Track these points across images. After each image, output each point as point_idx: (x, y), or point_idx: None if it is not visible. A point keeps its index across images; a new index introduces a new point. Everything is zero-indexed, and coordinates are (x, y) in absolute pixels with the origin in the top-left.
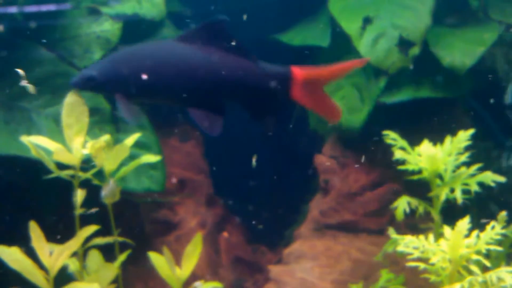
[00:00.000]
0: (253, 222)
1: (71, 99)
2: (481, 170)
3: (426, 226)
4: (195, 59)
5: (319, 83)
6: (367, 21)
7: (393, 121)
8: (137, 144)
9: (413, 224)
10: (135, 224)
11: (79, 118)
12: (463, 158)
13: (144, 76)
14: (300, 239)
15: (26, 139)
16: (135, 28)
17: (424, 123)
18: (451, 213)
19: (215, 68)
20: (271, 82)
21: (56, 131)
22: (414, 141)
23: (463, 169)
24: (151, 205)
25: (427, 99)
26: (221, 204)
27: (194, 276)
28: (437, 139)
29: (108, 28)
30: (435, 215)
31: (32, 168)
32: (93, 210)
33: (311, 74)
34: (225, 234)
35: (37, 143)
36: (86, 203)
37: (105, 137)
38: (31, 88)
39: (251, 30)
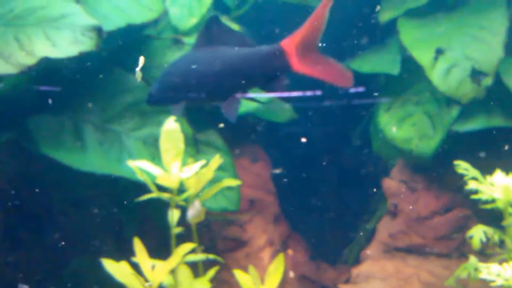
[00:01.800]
0: (313, 240)
1: (168, 126)
2: None
3: (493, 252)
4: (224, 58)
5: (309, 43)
6: (439, 52)
7: (463, 147)
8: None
9: (480, 250)
10: (207, 240)
11: (175, 144)
12: None
13: (191, 86)
14: (369, 260)
15: (132, 163)
16: None
17: (494, 151)
18: None
19: (238, 61)
20: (275, 61)
21: (144, 153)
22: (484, 169)
23: None
24: (222, 223)
25: (498, 127)
26: (285, 222)
27: None
28: (507, 167)
29: None
30: (509, 243)
31: (120, 186)
32: (180, 229)
33: (297, 37)
34: (290, 251)
35: (141, 167)
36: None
37: (200, 162)
38: (138, 75)
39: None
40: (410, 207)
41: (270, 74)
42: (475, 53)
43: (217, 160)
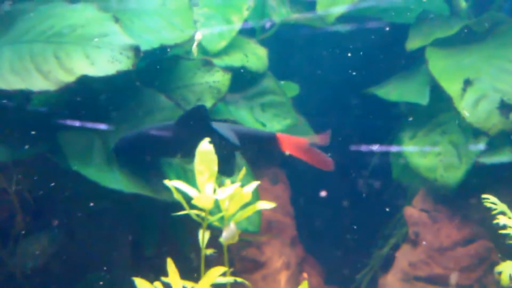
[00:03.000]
0: (328, 264)
1: (203, 148)
2: None
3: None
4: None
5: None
6: (467, 83)
7: (488, 179)
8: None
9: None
10: (224, 260)
11: (209, 166)
12: None
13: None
14: None
15: (169, 183)
16: (241, 79)
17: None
18: None
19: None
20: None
21: (171, 173)
22: (508, 203)
23: None
24: (241, 244)
25: None
26: (301, 245)
27: None
28: None
29: (219, 78)
30: None
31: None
32: (212, 251)
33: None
34: (305, 275)
35: (179, 188)
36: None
37: (235, 185)
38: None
39: (344, 82)
40: (432, 236)
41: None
42: (504, 85)
43: (253, 184)
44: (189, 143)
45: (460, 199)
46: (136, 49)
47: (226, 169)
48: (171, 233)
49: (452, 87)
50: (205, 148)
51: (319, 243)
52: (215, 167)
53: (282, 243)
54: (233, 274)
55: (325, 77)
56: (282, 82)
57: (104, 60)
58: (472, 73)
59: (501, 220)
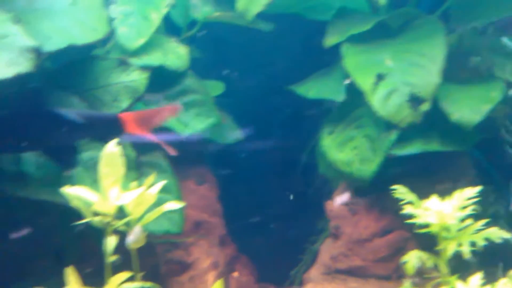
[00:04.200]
0: (261, 261)
1: (108, 150)
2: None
3: (430, 276)
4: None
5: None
6: (380, 77)
7: (403, 170)
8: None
9: (419, 272)
10: (150, 264)
11: (115, 168)
12: (469, 211)
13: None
14: (310, 283)
15: (67, 190)
16: (162, 78)
17: (433, 174)
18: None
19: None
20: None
21: (85, 177)
22: (423, 192)
23: (469, 221)
24: (167, 246)
25: (438, 152)
26: (232, 244)
27: None
28: (445, 190)
29: (136, 78)
30: (443, 268)
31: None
32: (115, 257)
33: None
34: (236, 273)
35: (78, 194)
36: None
37: (140, 189)
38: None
39: (270, 80)
40: (351, 229)
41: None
42: (414, 79)
43: (159, 184)
44: (32, 131)
45: (377, 191)
46: (37, 51)
47: (65, 159)
48: (92, 238)
49: (365, 82)
50: (111, 150)
51: (252, 242)
52: (122, 170)
53: (210, 243)
54: (159, 277)
55: (250, 75)
56: (207, 81)
57: (1, 63)
58: (385, 67)
59: (407, 209)
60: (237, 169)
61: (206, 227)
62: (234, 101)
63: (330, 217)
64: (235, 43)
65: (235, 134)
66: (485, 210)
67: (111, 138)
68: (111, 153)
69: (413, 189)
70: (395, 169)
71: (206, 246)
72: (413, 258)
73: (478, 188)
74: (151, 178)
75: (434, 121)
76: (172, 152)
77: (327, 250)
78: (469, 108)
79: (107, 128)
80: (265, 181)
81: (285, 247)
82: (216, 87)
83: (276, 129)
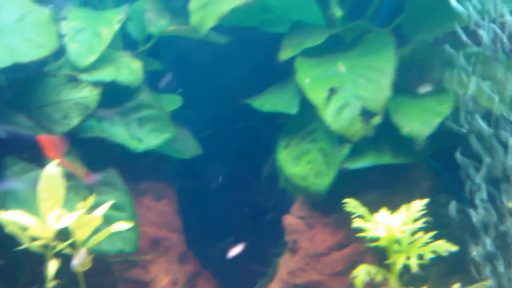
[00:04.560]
0: (224, 277)
1: (48, 172)
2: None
3: None
4: None
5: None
6: (332, 91)
7: (359, 184)
8: (111, 206)
9: (376, 285)
10: (107, 283)
11: (55, 191)
12: (419, 224)
13: None
14: None
15: (1, 215)
16: (115, 94)
17: (388, 187)
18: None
19: None
20: None
21: (32, 198)
22: (378, 205)
23: (419, 234)
24: (124, 264)
25: (391, 164)
26: (193, 260)
27: None
28: (399, 203)
29: (87, 94)
30: (393, 282)
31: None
32: (55, 282)
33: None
34: None
35: (13, 219)
36: (60, 271)
37: (79, 211)
38: None
39: (229, 93)
40: (308, 243)
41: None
42: (366, 93)
43: (106, 205)
44: None
45: (333, 205)
46: None
47: None
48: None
49: (317, 97)
50: (51, 172)
51: (215, 257)
52: (62, 191)
53: (169, 260)
54: None
55: (208, 89)
56: (164, 95)
57: None
58: (337, 82)
59: (357, 223)
60: (198, 183)
61: (165, 244)
62: (193, 115)
63: (288, 232)
64: (196, 55)
65: (193, 148)
66: (441, 221)
67: (31, 159)
68: (51, 175)
69: (368, 202)
70: (351, 183)
71: (165, 263)
72: (362, 273)
73: (425, 201)
74: (90, 201)
75: (387, 134)
76: (86, 177)
77: (285, 264)
78: (419, 122)
79: (25, 148)
80: (226, 195)
81: (249, 261)
82: (173, 101)
83: (237, 142)
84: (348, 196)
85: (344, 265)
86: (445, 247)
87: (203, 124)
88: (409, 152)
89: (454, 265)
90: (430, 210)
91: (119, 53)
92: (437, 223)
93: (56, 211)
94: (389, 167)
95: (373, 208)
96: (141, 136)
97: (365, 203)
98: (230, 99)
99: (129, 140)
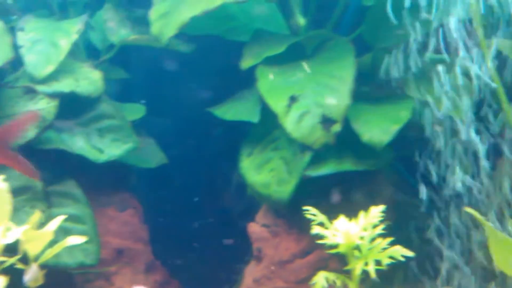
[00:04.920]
0: (194, 286)
1: None
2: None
3: None
4: None
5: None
6: (293, 99)
7: (323, 191)
8: (71, 218)
9: None
10: None
11: (1, 205)
12: (378, 230)
13: None
14: None
15: None
16: (74, 105)
17: (351, 194)
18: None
19: None
20: None
21: None
22: (341, 212)
23: (379, 240)
24: (87, 276)
25: (353, 171)
26: (161, 269)
27: None
28: (362, 209)
29: (43, 106)
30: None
31: None
32: None
33: None
34: None
35: None
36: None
37: (26, 226)
38: None
39: (192, 102)
40: (273, 251)
41: None
42: (326, 100)
43: (59, 219)
44: None
45: (297, 212)
46: None
47: None
48: None
49: (278, 104)
50: None
51: (185, 266)
52: (8, 207)
53: (134, 271)
54: None
55: (172, 98)
56: (127, 104)
57: None
58: (297, 89)
59: (316, 230)
60: (165, 193)
61: (130, 254)
62: (158, 124)
63: (253, 240)
64: (162, 64)
65: (158, 157)
66: (403, 226)
67: None
68: None
69: (331, 209)
70: (314, 190)
71: (130, 274)
72: (320, 279)
73: (383, 207)
74: (36, 216)
75: (349, 141)
76: (34, 175)
77: (250, 273)
78: (379, 128)
79: None
80: (195, 203)
81: (218, 269)
82: (137, 110)
83: (204, 150)
84: (312, 203)
85: (309, 272)
86: (401, 252)
87: (168, 133)
88: (371, 158)
89: (419, 269)
90: (393, 215)
91: (79, 63)
92: (399, 228)
93: (2, 226)
94: (353, 173)
95: (337, 214)
96: (102, 146)
97: (328, 210)
98: (196, 107)
99: (90, 151)
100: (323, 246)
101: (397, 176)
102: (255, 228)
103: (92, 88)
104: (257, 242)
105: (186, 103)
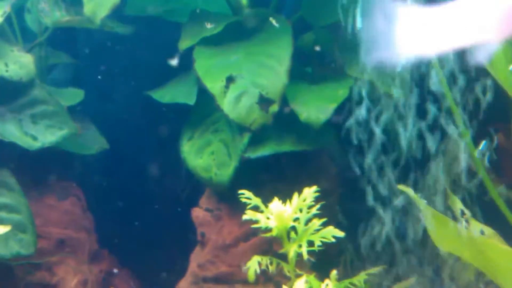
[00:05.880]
0: (145, 273)
1: None
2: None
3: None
4: None
5: None
6: (230, 80)
7: (266, 174)
8: (5, 208)
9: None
10: None
11: None
12: (313, 211)
13: None
14: None
15: None
16: (4, 90)
17: (294, 176)
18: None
19: None
20: None
21: None
22: (283, 194)
23: (314, 221)
24: (28, 267)
25: (296, 152)
26: (108, 258)
27: None
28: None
29: None
30: (287, 270)
31: None
32: None
33: None
34: None
35: None
36: None
37: None
38: None
39: (129, 85)
40: (216, 235)
41: None
42: (263, 80)
43: None
44: None
45: (239, 195)
46: None
47: None
48: None
49: (215, 86)
50: None
51: (135, 254)
52: None
53: (77, 261)
54: None
55: (113, 81)
56: (64, 89)
57: None
58: (235, 70)
59: (248, 214)
60: (109, 179)
61: (72, 243)
62: (99, 108)
63: (196, 224)
64: (103, 47)
65: (99, 143)
66: (345, 207)
67: None
68: None
69: (274, 192)
70: (257, 173)
71: (73, 263)
72: (253, 263)
73: (314, 188)
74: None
75: (289, 122)
76: None
77: (195, 258)
78: (316, 108)
79: None
80: (141, 190)
81: (171, 256)
82: (74, 95)
83: (147, 135)
84: (255, 186)
85: (253, 255)
86: (332, 232)
87: (110, 118)
88: (312, 139)
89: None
90: (335, 197)
91: (9, 47)
92: (340, 209)
93: None
94: (296, 155)
95: (280, 197)
96: (36, 133)
97: (273, 193)
98: (137, 91)
99: (23, 137)
100: (266, 230)
101: (344, 155)
102: (198, 213)
103: (23, 72)
104: (201, 227)
105: (127, 87)
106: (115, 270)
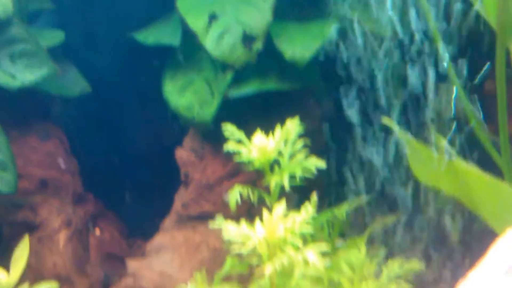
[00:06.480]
0: (131, 216)
1: None
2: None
3: None
4: None
5: None
6: (213, 17)
7: (250, 113)
8: None
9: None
10: None
11: None
12: (299, 144)
13: None
14: (161, 232)
15: None
16: None
17: (279, 115)
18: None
19: None
20: None
21: None
22: (267, 133)
23: (299, 156)
24: (10, 207)
25: (280, 92)
26: (93, 201)
27: (57, 277)
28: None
29: None
30: (270, 202)
31: None
32: None
33: None
34: (97, 230)
35: None
36: None
37: None
38: None
39: (112, 26)
40: (200, 175)
41: None
42: (246, 18)
43: None
44: None
45: (224, 135)
46: None
47: None
48: None
49: (197, 23)
50: None
51: (121, 197)
52: None
53: (61, 202)
54: (1, 240)
55: (94, 23)
56: (44, 30)
57: None
58: (218, 7)
59: (230, 146)
60: (93, 123)
61: (55, 185)
62: (78, 50)
63: (180, 165)
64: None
65: (81, 85)
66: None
67: None
68: None
69: (255, 128)
70: (241, 112)
71: (57, 204)
72: (234, 193)
73: (297, 119)
74: None
75: (274, 61)
76: None
77: (179, 198)
78: (301, 45)
79: None
80: (127, 133)
81: (155, 198)
82: (54, 36)
83: (132, 77)
84: (238, 125)
85: None
86: (314, 163)
87: (93, 61)
88: (297, 77)
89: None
90: (320, 137)
91: None
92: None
93: None
94: (281, 95)
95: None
96: (15, 72)
97: (255, 132)
98: (120, 33)
99: (1, 76)
100: (249, 164)
101: (329, 96)
102: (182, 153)
103: (1, 10)
104: (184, 166)
105: (110, 30)
106: (100, 212)
